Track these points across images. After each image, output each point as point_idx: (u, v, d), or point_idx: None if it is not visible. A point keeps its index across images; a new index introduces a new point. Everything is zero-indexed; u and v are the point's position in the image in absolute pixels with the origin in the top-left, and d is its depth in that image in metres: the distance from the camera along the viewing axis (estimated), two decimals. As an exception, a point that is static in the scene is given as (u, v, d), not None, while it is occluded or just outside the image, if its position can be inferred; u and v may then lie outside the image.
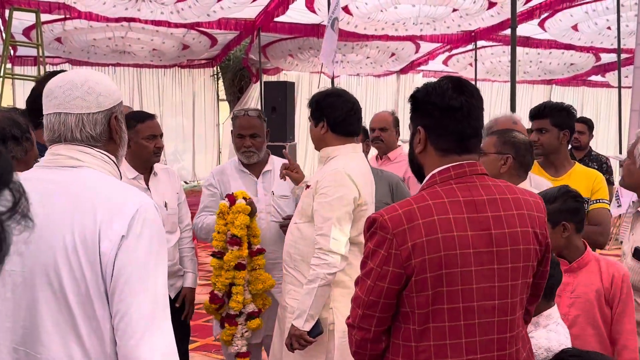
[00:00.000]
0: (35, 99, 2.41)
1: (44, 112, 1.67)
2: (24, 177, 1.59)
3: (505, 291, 1.75)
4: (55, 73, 2.45)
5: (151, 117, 3.40)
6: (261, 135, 3.50)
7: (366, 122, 3.93)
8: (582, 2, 10.80)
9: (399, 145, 4.50)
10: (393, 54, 14.57)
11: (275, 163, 3.59)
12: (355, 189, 2.81)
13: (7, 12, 9.75)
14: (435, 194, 1.75)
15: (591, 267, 2.56)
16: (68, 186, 1.58)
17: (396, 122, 4.50)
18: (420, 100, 1.84)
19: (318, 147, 3.00)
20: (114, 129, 1.69)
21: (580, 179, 3.39)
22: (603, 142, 15.78)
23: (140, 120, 3.31)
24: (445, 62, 16.06)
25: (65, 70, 1.96)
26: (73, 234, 1.50)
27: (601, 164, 5.14)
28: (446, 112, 1.78)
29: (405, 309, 1.75)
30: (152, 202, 1.61)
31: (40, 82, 2.45)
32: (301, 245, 2.89)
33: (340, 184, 2.78)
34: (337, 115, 2.90)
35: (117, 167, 1.71)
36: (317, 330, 2.78)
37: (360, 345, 1.82)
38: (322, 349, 2.83)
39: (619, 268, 2.57)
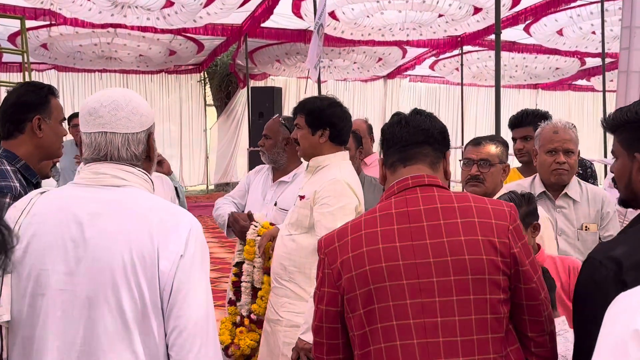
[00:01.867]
0: (8, 108, 2.40)
1: (85, 130, 1.68)
2: (67, 196, 1.63)
3: (449, 307, 1.57)
4: (33, 84, 2.43)
5: None
6: (272, 138, 3.54)
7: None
8: (566, 7, 10.90)
9: (375, 151, 4.65)
10: (380, 59, 14.62)
11: (298, 179, 3.54)
12: (355, 197, 2.83)
13: (-9, 18, 9.69)
14: (371, 211, 1.72)
15: (548, 265, 2.51)
16: (119, 205, 1.61)
17: (370, 129, 4.69)
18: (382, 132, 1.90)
19: (308, 155, 2.98)
20: (152, 147, 1.74)
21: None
22: (588, 146, 15.87)
23: None
24: (432, 67, 16.14)
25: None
26: (131, 252, 1.54)
27: (586, 169, 5.17)
28: (390, 128, 1.83)
29: (352, 332, 1.65)
30: (197, 220, 1.67)
31: (12, 92, 2.42)
32: (297, 257, 2.88)
33: (341, 194, 2.80)
34: (342, 126, 2.93)
35: (152, 185, 1.75)
36: None
37: None
38: None
39: (574, 260, 2.59)
